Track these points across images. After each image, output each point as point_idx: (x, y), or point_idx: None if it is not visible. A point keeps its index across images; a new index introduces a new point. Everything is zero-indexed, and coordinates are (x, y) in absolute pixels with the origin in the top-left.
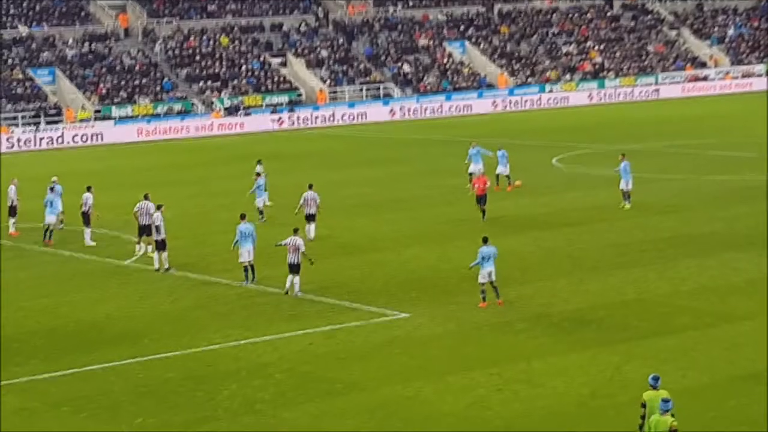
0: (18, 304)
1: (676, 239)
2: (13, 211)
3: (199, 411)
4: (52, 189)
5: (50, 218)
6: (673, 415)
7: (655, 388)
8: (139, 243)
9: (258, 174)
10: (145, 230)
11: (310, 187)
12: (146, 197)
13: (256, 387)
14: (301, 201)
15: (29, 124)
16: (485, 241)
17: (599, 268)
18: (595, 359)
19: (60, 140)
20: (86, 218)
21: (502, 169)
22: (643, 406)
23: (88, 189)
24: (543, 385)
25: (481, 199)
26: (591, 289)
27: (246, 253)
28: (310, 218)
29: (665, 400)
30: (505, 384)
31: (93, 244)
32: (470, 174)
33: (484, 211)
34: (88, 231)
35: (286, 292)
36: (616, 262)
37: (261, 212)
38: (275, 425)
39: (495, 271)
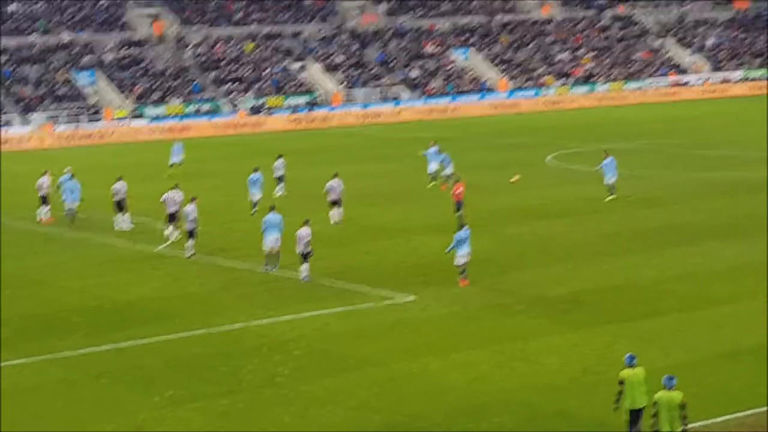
0: (59, 284)
1: (662, 229)
2: (44, 200)
3: (224, 384)
4: (71, 177)
5: (74, 203)
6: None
7: (631, 366)
8: (168, 229)
9: (255, 169)
10: (172, 218)
11: (336, 175)
12: (175, 187)
13: (277, 362)
14: (327, 188)
15: (71, 121)
16: (461, 227)
17: (591, 255)
18: (587, 339)
19: (98, 136)
20: (120, 205)
21: (446, 171)
22: (621, 383)
23: (119, 179)
24: (539, 362)
25: (459, 206)
26: (584, 274)
27: (271, 242)
28: (334, 203)
29: (670, 377)
30: (505, 361)
31: (132, 226)
32: (429, 174)
33: (460, 218)
34: (124, 217)
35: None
36: (606, 250)
37: (253, 204)
38: (294, 397)
39: (470, 252)
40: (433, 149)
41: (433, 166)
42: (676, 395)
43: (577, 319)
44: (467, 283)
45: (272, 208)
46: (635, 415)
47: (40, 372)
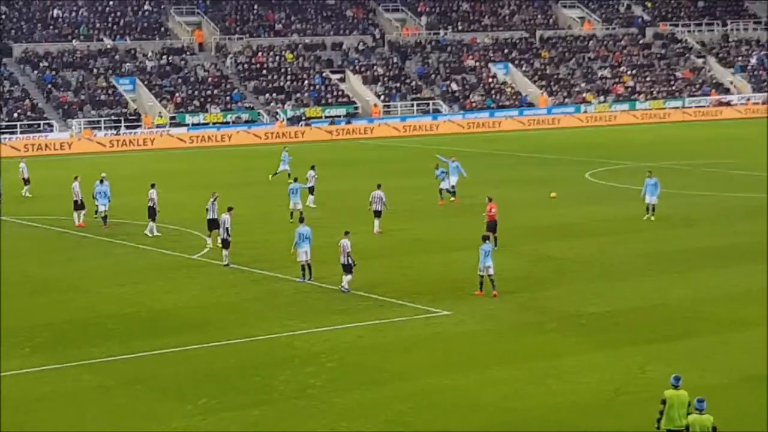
0: (96, 290)
1: (699, 250)
2: (78, 205)
3: (256, 394)
4: (101, 182)
5: (104, 207)
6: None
7: (676, 387)
8: (209, 236)
9: (295, 179)
10: (212, 224)
11: (379, 186)
12: (213, 195)
13: (309, 374)
14: (370, 199)
15: (111, 127)
16: (484, 239)
17: (627, 274)
18: (621, 358)
19: (138, 143)
20: (152, 212)
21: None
22: (663, 402)
23: (153, 186)
24: (573, 381)
25: (492, 226)
26: (619, 293)
27: (303, 254)
28: (376, 214)
29: (700, 400)
30: (538, 378)
31: (158, 234)
32: (447, 189)
33: (495, 239)
34: (152, 224)
35: (341, 290)
36: (642, 269)
37: (291, 214)
38: (325, 409)
39: (493, 266)
40: (454, 164)
41: (453, 180)
42: (708, 419)
43: (611, 338)
44: (483, 294)
45: (302, 220)
46: None
47: (75, 378)
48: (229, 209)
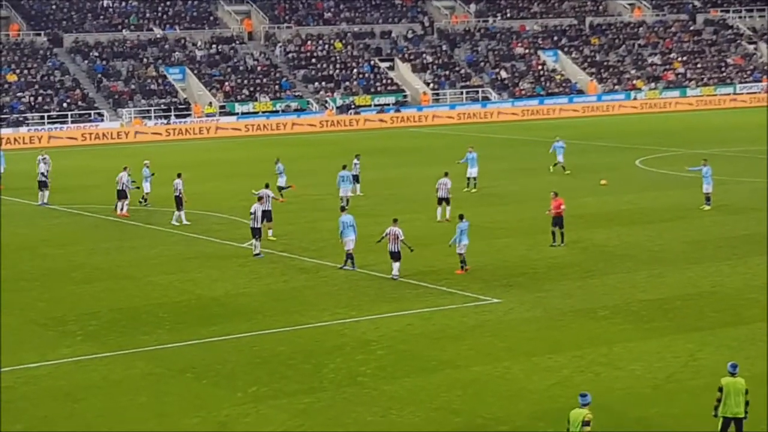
0: (147, 279)
1: (749, 237)
2: (122, 194)
3: (307, 381)
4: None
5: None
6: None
7: (733, 374)
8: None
9: (344, 166)
10: (265, 215)
11: (446, 174)
12: (267, 186)
13: (359, 361)
14: (437, 186)
15: (160, 117)
16: (461, 218)
17: (677, 262)
18: (671, 346)
19: (193, 132)
20: (178, 202)
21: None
22: (720, 390)
23: (179, 176)
24: (622, 368)
25: (558, 221)
26: (669, 281)
27: (350, 242)
28: (441, 201)
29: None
30: (587, 366)
31: (187, 223)
32: (468, 178)
33: (562, 234)
34: (178, 213)
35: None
36: (692, 257)
37: (342, 200)
38: (376, 396)
39: (468, 244)
40: (471, 155)
41: (472, 171)
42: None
43: (661, 326)
44: (465, 271)
45: (343, 209)
46: (730, 423)
47: (125, 366)
48: (260, 199)
